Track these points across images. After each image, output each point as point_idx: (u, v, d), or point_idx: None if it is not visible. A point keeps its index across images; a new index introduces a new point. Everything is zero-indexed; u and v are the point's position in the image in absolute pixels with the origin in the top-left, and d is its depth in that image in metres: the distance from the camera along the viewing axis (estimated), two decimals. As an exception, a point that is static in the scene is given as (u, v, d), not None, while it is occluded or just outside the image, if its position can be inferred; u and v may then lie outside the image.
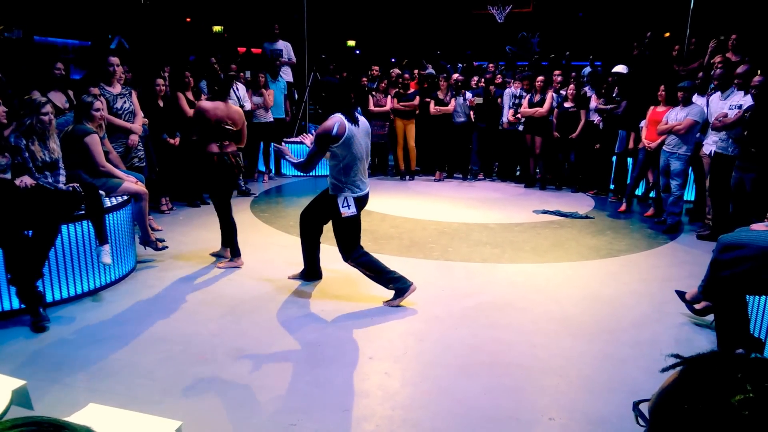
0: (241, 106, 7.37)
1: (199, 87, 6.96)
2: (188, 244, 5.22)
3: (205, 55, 8.43)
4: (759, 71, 5.32)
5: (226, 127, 4.51)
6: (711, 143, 5.86)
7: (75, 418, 1.77)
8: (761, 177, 4.86)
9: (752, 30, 8.19)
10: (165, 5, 11.89)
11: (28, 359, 3.14)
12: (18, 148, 3.74)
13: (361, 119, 3.92)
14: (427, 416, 2.66)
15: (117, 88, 5.32)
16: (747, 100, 5.34)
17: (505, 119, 8.38)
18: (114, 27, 11.10)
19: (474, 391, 2.87)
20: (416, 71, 9.88)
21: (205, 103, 4.54)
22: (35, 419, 0.62)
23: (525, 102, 8.05)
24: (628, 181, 7.14)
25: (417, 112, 8.72)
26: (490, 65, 10.12)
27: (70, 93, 5.24)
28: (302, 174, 8.93)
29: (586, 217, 6.56)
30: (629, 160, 7.35)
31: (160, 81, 6.32)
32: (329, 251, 5.14)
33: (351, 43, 16.10)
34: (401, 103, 8.62)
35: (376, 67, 9.52)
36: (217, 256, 4.84)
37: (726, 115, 5.40)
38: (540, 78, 8.05)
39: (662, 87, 6.30)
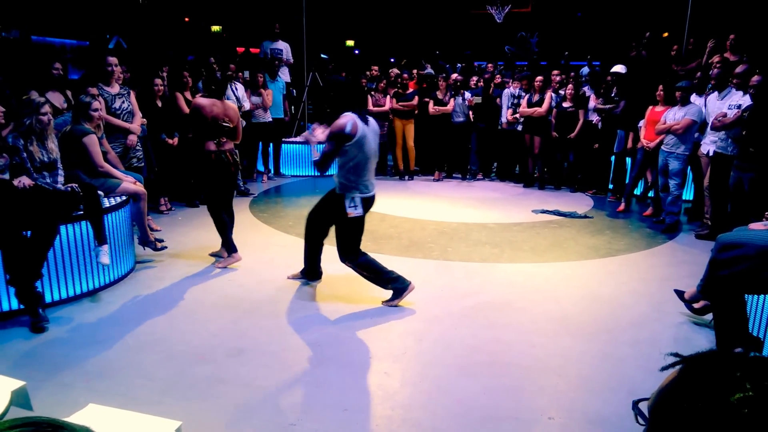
0: (240, 107, 7.38)
1: (197, 87, 6.96)
2: (187, 244, 5.22)
3: (203, 55, 8.42)
4: (757, 71, 5.32)
5: (223, 124, 4.51)
6: (709, 143, 5.87)
7: (74, 419, 1.77)
8: (760, 177, 4.86)
9: (751, 30, 8.20)
10: (163, 5, 11.89)
11: (28, 360, 3.14)
12: (16, 148, 3.74)
13: (371, 119, 3.87)
14: (427, 416, 2.66)
15: (115, 88, 5.32)
16: (746, 100, 5.35)
17: (503, 119, 8.38)
18: (112, 27, 11.09)
19: (473, 391, 2.87)
20: (415, 71, 9.88)
21: (202, 100, 4.53)
22: (34, 419, 0.62)
23: (524, 102, 8.06)
24: (627, 181, 7.15)
25: (416, 112, 8.72)
26: (489, 65, 10.12)
27: (68, 93, 5.24)
28: (301, 174, 8.98)
29: (585, 216, 6.57)
30: (628, 159, 7.36)
31: (159, 81, 6.32)
32: (329, 251, 5.15)
33: (350, 42, 16.10)
34: (400, 103, 8.62)
35: (375, 67, 9.52)
36: (217, 256, 4.83)
37: (725, 115, 5.41)
38: (539, 78, 8.05)
39: (661, 87, 6.31)
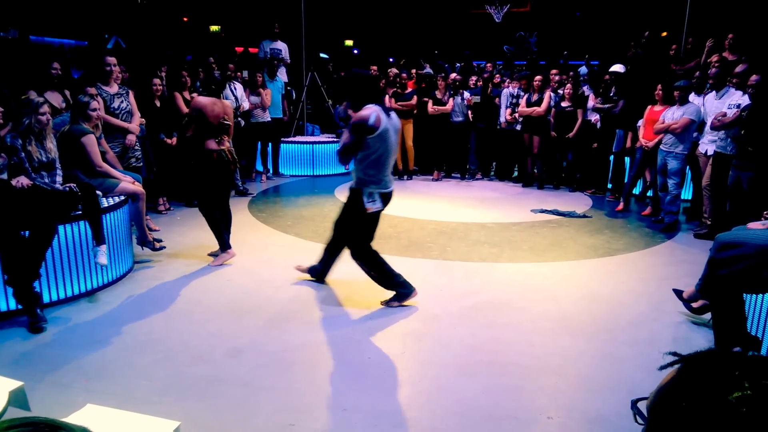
0: (239, 106, 7.38)
1: (195, 86, 6.95)
2: (186, 244, 5.21)
3: (202, 55, 8.42)
4: (756, 70, 5.33)
5: (224, 122, 4.51)
6: (707, 142, 5.88)
7: (72, 419, 1.76)
8: (758, 176, 4.87)
9: (749, 29, 8.21)
10: (162, 5, 11.88)
11: (26, 360, 3.14)
12: (14, 148, 3.73)
13: (393, 114, 3.77)
14: (426, 415, 2.66)
15: (114, 88, 5.31)
16: (746, 100, 5.35)
17: (502, 119, 8.39)
18: (111, 26, 11.08)
19: (473, 390, 2.87)
20: (414, 71, 9.88)
21: (204, 100, 4.52)
22: (32, 419, 0.62)
23: (523, 101, 8.06)
24: (626, 180, 7.16)
25: (415, 111, 8.72)
26: (488, 65, 10.13)
27: (67, 93, 5.23)
28: (300, 174, 8.98)
29: (584, 216, 6.57)
30: (627, 159, 7.37)
31: (157, 81, 6.31)
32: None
33: (349, 42, 16.09)
34: (399, 103, 8.61)
35: (374, 67, 9.52)
36: (215, 256, 4.83)
37: (725, 115, 5.42)
38: (538, 77, 8.06)
39: (659, 86, 6.31)
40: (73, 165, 4.21)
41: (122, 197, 4.46)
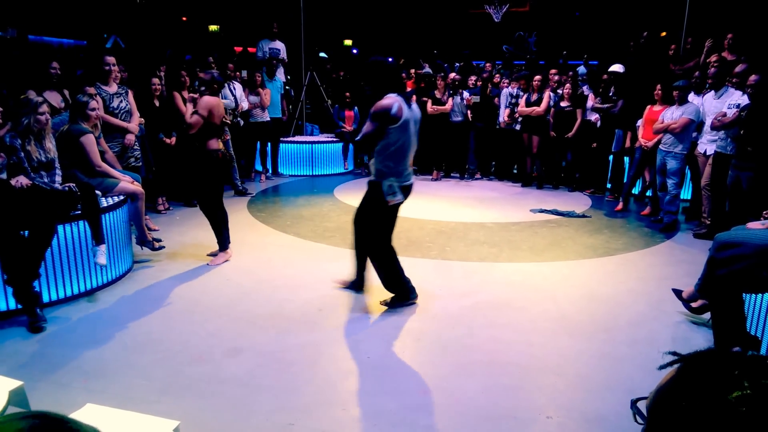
0: (238, 106, 7.38)
1: (194, 86, 6.95)
2: (185, 244, 5.21)
3: (201, 55, 8.41)
4: (755, 70, 5.34)
5: (224, 122, 4.56)
6: (706, 142, 5.89)
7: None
8: (758, 175, 4.87)
9: (749, 29, 8.21)
10: (161, 4, 11.87)
11: (25, 360, 3.13)
12: (13, 147, 3.73)
13: (414, 105, 3.67)
14: (425, 415, 2.66)
15: (113, 88, 5.30)
16: (745, 100, 5.36)
17: (501, 119, 8.39)
18: (110, 26, 11.07)
19: (471, 390, 2.87)
20: (413, 70, 9.88)
21: (212, 99, 4.56)
22: (43, 413, 0.62)
23: (522, 101, 8.06)
24: (625, 180, 7.16)
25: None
26: (487, 64, 10.13)
27: (66, 92, 5.22)
28: (299, 174, 8.98)
29: (583, 216, 6.57)
30: (626, 159, 7.37)
31: (156, 80, 6.31)
32: (328, 250, 5.15)
33: (348, 42, 16.08)
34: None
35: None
36: (215, 255, 4.83)
37: (725, 115, 5.42)
38: (537, 77, 8.06)
39: (658, 86, 6.32)
40: (73, 165, 4.20)
41: (121, 197, 4.46)
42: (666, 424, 0.69)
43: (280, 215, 6.43)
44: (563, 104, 7.81)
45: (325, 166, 9.13)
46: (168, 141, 6.34)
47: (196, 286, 4.26)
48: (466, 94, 8.59)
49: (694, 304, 3.68)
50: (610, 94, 7.50)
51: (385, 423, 2.59)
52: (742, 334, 3.12)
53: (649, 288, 4.33)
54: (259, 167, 8.61)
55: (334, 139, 9.21)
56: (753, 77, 5.13)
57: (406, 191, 3.69)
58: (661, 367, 0.76)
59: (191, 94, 4.86)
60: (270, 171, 8.75)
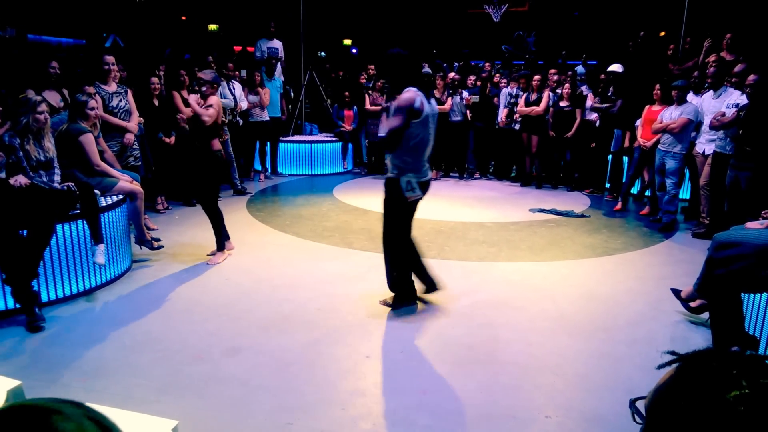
0: (237, 105, 7.38)
1: (193, 86, 6.94)
2: (184, 244, 5.21)
3: (200, 54, 8.41)
4: (754, 70, 5.34)
5: (223, 120, 4.60)
6: (704, 142, 5.89)
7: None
8: (756, 175, 4.88)
9: (747, 29, 8.22)
10: (160, 3, 11.86)
11: (24, 359, 3.13)
12: (12, 147, 3.73)
13: (432, 101, 3.63)
14: (424, 414, 2.66)
15: (112, 87, 5.30)
16: (744, 100, 5.36)
17: (500, 119, 8.39)
18: (109, 25, 11.06)
19: (470, 389, 2.87)
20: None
21: (218, 99, 4.65)
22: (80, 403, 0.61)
23: (521, 101, 8.06)
24: (624, 180, 7.16)
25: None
26: (487, 64, 10.13)
27: (65, 92, 5.22)
28: (298, 173, 8.97)
29: (582, 215, 6.58)
30: (625, 158, 7.38)
31: (155, 80, 6.30)
32: (327, 249, 5.14)
33: (347, 41, 16.08)
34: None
35: (372, 66, 9.51)
36: (214, 255, 4.83)
37: (724, 114, 5.43)
38: (536, 77, 8.06)
39: (657, 86, 6.32)
40: (72, 164, 4.20)
41: (120, 196, 4.45)
42: (665, 424, 0.69)
43: (280, 215, 6.43)
44: (562, 104, 7.81)
45: (325, 165, 9.13)
46: (167, 140, 6.33)
47: (195, 285, 4.26)
48: (465, 93, 8.59)
49: (692, 304, 3.68)
50: (609, 93, 7.50)
51: (384, 422, 2.59)
52: (741, 334, 3.13)
53: (647, 287, 4.34)
54: (258, 167, 8.61)
55: (334, 139, 9.21)
56: (752, 77, 5.14)
57: (425, 187, 3.66)
58: (660, 367, 0.76)
59: (191, 94, 4.89)
60: (269, 170, 8.75)
